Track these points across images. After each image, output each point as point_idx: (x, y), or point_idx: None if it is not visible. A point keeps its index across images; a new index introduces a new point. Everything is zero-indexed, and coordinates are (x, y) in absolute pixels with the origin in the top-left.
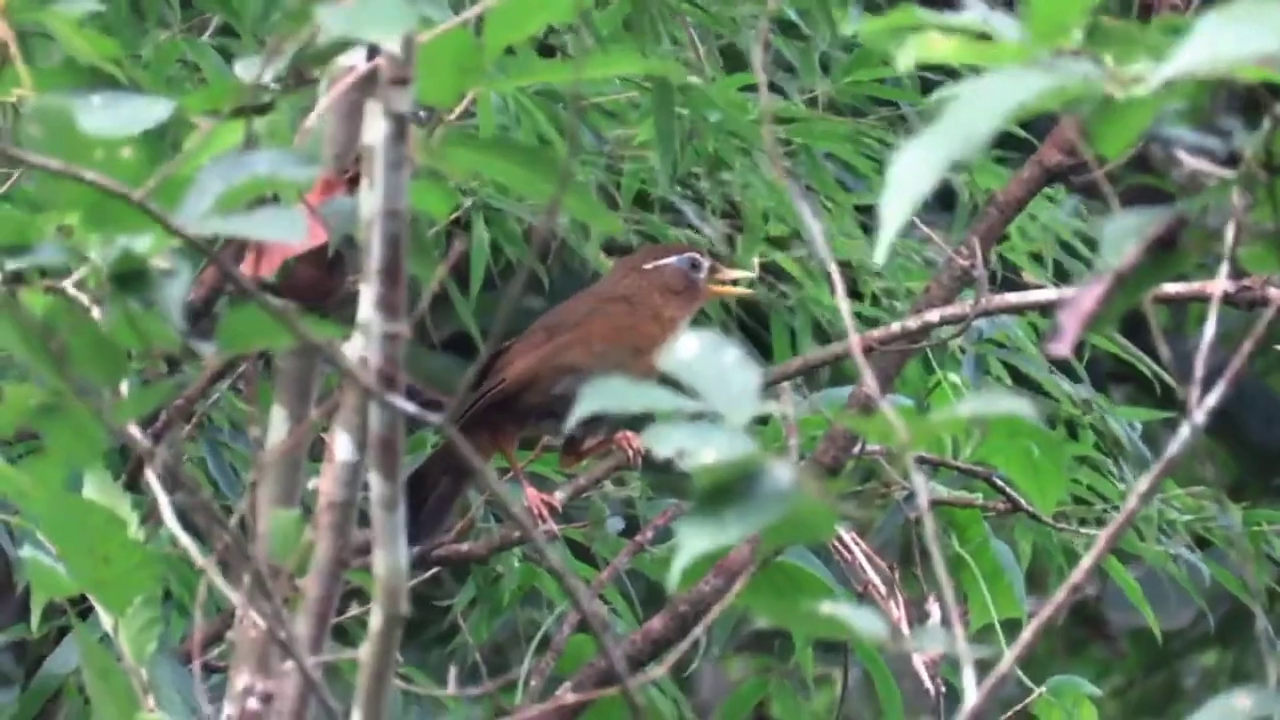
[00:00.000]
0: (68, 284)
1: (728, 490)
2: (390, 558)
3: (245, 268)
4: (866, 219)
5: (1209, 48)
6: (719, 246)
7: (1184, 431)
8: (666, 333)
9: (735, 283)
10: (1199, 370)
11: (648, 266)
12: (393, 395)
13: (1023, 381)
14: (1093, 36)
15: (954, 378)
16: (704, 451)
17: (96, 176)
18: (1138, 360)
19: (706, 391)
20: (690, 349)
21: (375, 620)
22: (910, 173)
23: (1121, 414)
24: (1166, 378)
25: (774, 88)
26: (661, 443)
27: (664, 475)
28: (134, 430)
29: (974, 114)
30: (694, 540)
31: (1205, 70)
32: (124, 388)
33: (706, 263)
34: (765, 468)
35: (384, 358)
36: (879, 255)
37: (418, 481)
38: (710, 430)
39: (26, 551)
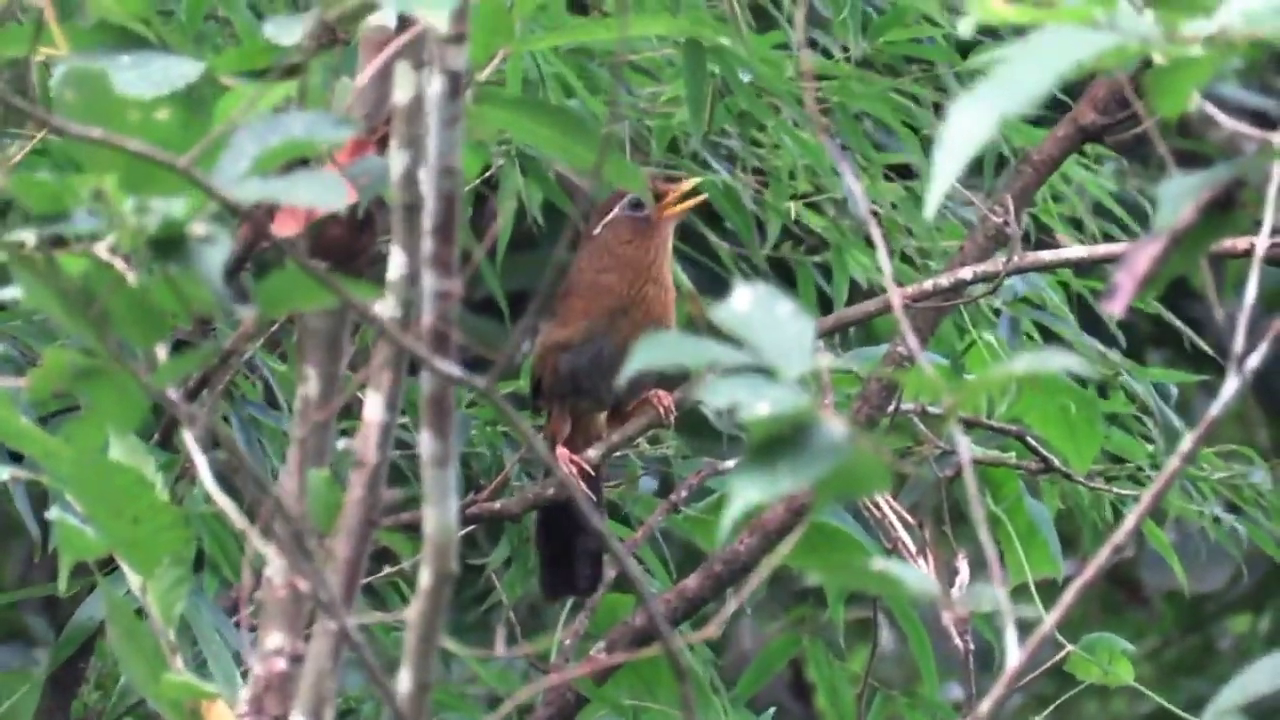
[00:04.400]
0: (101, 247)
1: (780, 443)
2: (440, 515)
3: (273, 228)
4: (895, 177)
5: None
6: (747, 197)
7: (1226, 391)
8: (641, 280)
9: (690, 193)
10: (1241, 329)
11: (596, 231)
12: (444, 355)
13: (1055, 342)
14: None
15: (989, 337)
16: (758, 404)
17: (140, 146)
18: (1175, 323)
19: (760, 344)
20: (744, 302)
21: (424, 578)
22: (964, 129)
23: (1156, 375)
24: (1202, 343)
25: (811, 44)
26: (715, 395)
27: (698, 434)
28: (171, 393)
29: (1030, 71)
30: (747, 491)
31: (1260, 31)
32: (162, 350)
33: (651, 192)
34: (819, 421)
35: (436, 316)
36: (929, 211)
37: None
38: (764, 383)
39: (54, 513)
